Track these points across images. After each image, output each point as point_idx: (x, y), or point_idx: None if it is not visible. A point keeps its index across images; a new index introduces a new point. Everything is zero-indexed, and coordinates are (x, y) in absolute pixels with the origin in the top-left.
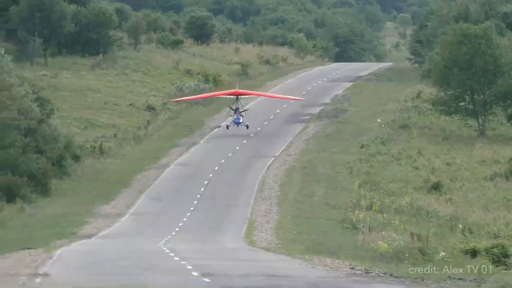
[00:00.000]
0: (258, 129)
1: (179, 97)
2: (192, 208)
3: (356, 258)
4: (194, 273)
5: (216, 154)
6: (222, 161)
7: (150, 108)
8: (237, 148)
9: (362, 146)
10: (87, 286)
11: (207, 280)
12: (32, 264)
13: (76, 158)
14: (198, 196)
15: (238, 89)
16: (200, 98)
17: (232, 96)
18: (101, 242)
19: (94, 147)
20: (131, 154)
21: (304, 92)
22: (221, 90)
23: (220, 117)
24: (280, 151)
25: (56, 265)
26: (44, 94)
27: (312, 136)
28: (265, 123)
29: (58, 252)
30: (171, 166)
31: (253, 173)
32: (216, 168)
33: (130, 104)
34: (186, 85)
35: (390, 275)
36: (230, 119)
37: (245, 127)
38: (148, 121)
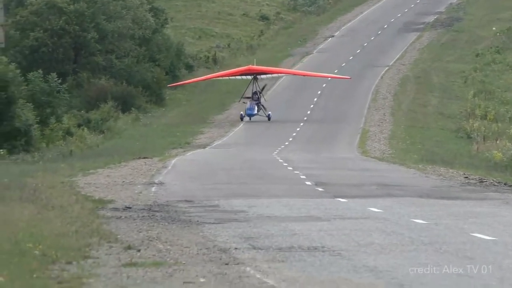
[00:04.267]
0: (372, 38)
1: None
2: (305, 118)
3: (470, 168)
4: (308, 183)
5: (330, 64)
6: (336, 70)
7: (264, 17)
8: (351, 58)
9: (477, 55)
10: (201, 195)
11: (320, 189)
12: (147, 173)
13: (189, 67)
14: (311, 106)
15: (253, 65)
16: (204, 80)
17: (247, 77)
18: (215, 151)
19: (208, 57)
20: (245, 64)
21: (418, 1)
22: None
23: (334, 26)
24: (394, 60)
25: (171, 174)
26: (159, 4)
27: (426, 45)
28: (379, 32)
29: (173, 161)
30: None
31: (366, 83)
32: (330, 78)
33: (244, 14)
34: None
35: (505, 184)
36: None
37: (266, 118)
38: (261, 31)
